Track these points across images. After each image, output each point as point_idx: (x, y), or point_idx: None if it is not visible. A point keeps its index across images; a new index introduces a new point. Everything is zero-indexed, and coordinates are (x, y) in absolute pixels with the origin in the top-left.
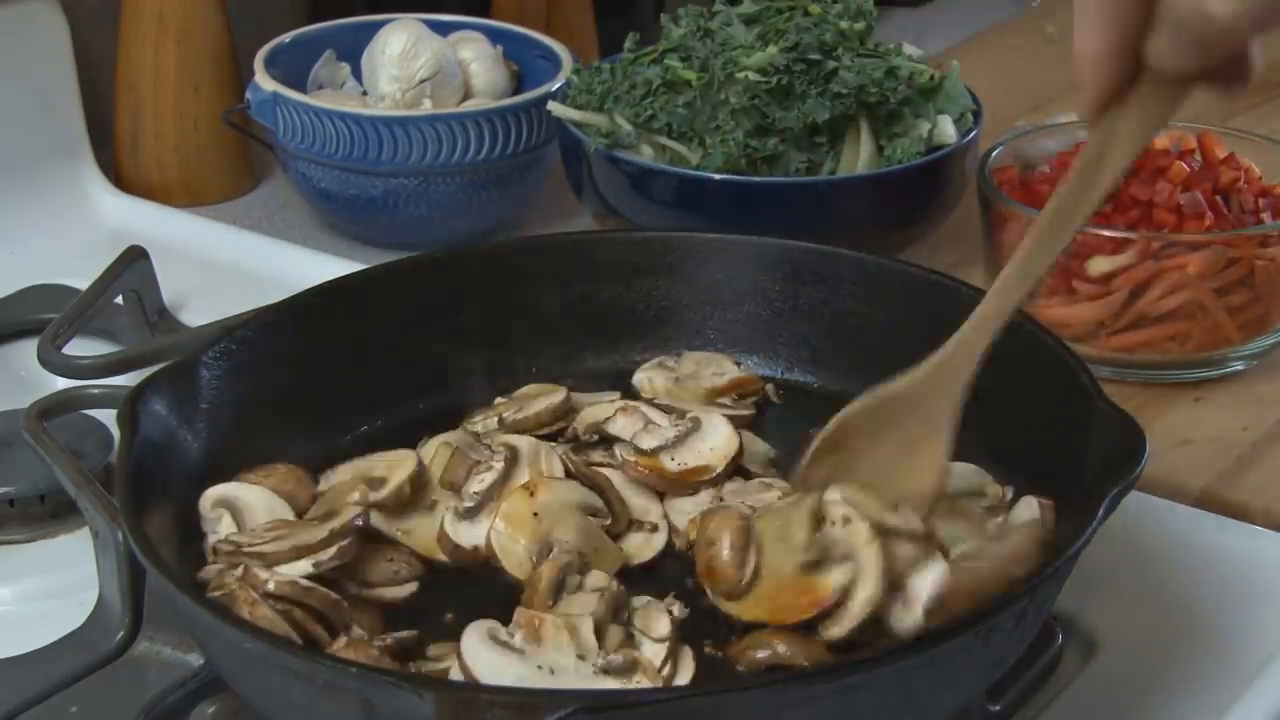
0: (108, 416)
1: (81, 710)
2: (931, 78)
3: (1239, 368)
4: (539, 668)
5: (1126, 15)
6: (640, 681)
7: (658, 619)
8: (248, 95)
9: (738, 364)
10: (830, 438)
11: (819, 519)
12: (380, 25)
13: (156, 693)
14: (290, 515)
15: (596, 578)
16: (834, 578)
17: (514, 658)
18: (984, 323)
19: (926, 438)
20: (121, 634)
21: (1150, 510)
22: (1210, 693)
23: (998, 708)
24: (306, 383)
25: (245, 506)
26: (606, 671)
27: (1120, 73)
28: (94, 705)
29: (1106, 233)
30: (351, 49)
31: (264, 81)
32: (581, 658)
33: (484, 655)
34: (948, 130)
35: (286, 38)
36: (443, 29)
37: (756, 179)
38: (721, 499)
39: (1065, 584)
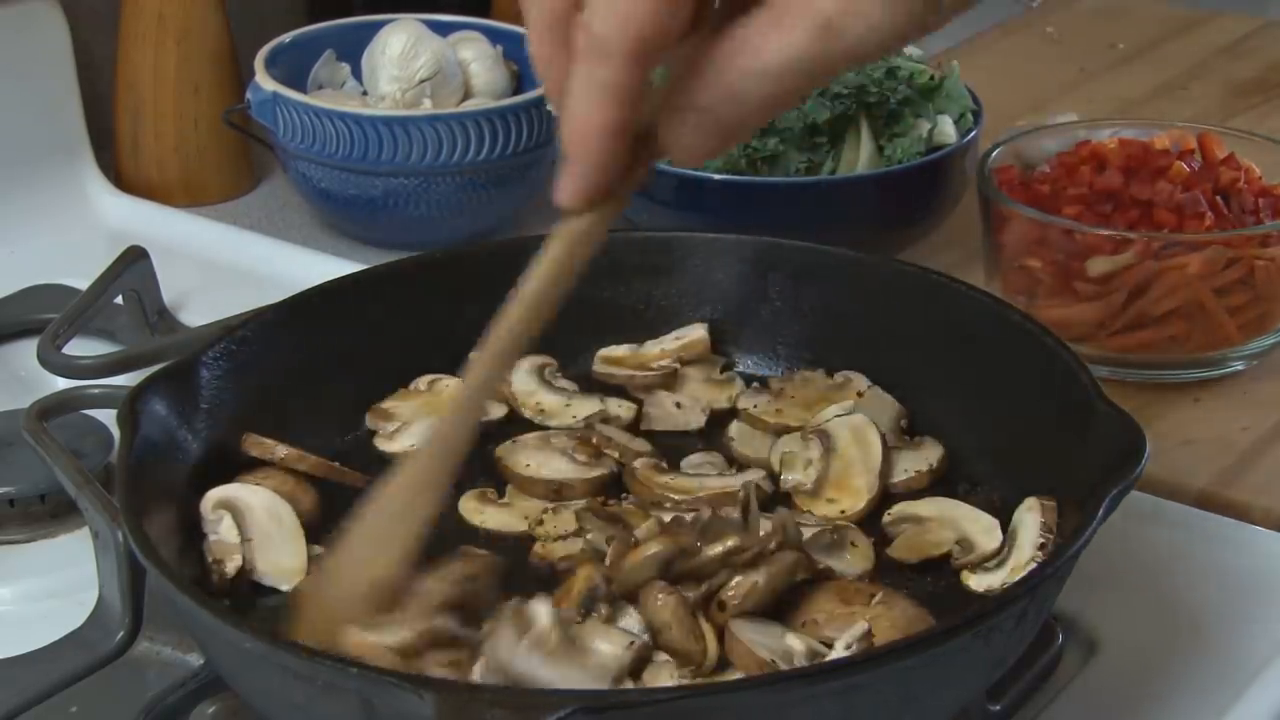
0: (108, 416)
1: (81, 710)
2: (931, 78)
3: (1239, 368)
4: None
5: (638, 96)
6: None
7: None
8: (248, 95)
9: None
10: None
11: None
12: (380, 25)
13: (156, 693)
14: (291, 516)
15: (630, 620)
16: None
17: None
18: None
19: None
20: (121, 634)
21: (1150, 510)
22: (1210, 693)
23: (998, 708)
24: (306, 383)
25: (246, 508)
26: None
27: (624, 157)
28: (94, 705)
29: (1106, 233)
30: (351, 49)
31: (264, 81)
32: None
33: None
34: (948, 130)
35: (286, 38)
36: (443, 29)
37: (756, 179)
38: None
39: (1065, 584)
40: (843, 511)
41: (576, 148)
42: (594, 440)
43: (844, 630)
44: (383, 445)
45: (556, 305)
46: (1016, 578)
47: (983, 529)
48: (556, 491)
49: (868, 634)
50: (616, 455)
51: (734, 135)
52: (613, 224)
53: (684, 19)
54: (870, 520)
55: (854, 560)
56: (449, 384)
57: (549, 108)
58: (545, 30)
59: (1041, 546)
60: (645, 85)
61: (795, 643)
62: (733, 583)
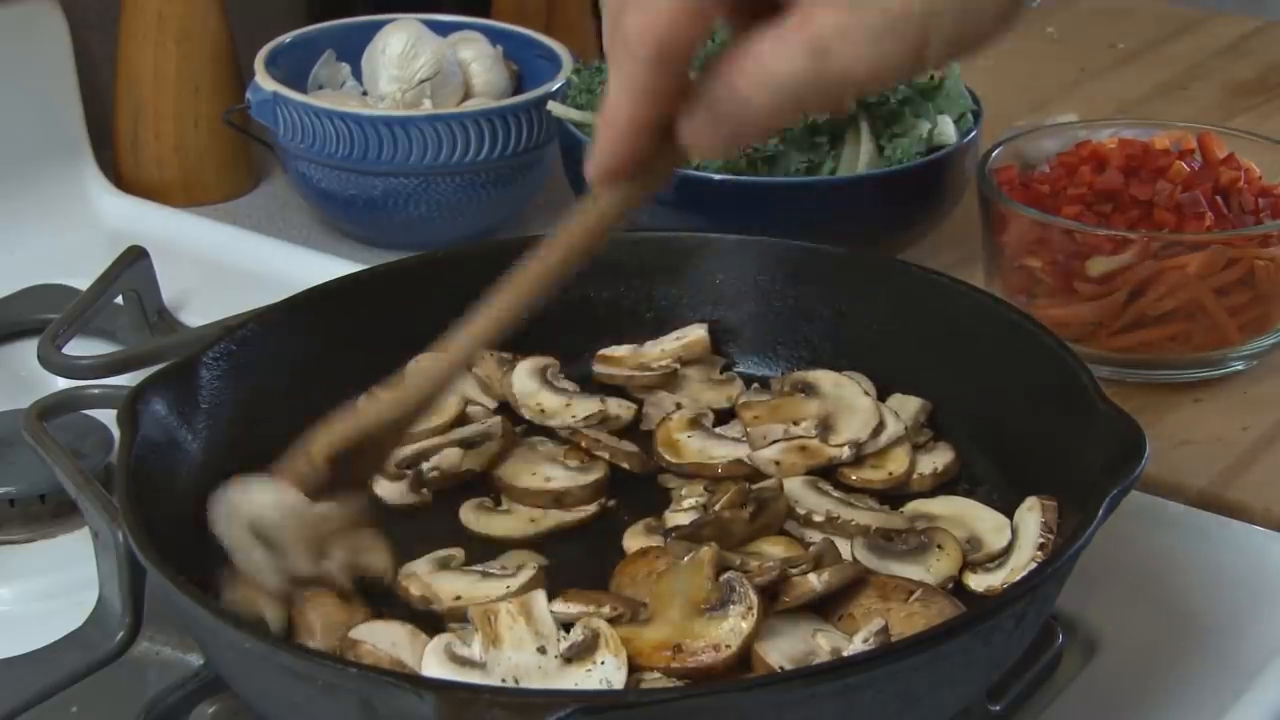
0: (108, 416)
1: (81, 710)
2: (931, 78)
3: (1239, 368)
4: (502, 680)
5: (663, 94)
6: (604, 657)
7: None
8: (248, 95)
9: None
10: None
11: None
12: (380, 25)
13: (156, 693)
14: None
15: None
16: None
17: (476, 674)
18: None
19: None
20: (121, 634)
21: (1150, 510)
22: (1210, 693)
23: (998, 708)
24: (306, 383)
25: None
26: (570, 660)
27: (645, 146)
28: (94, 705)
29: (1106, 233)
30: (351, 49)
31: (264, 81)
32: (542, 650)
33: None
34: (948, 130)
35: (286, 38)
36: (443, 29)
37: (756, 179)
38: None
39: (1065, 584)
40: (891, 474)
41: (601, 132)
42: (582, 444)
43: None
44: None
45: (562, 279)
46: (1016, 578)
47: (992, 528)
48: (558, 500)
49: (884, 629)
50: (607, 457)
51: (741, 137)
52: (632, 209)
53: (705, 29)
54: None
55: (940, 565)
56: (449, 398)
57: (547, 108)
58: (607, 32)
59: (1041, 546)
60: (670, 86)
61: (822, 641)
62: (792, 583)
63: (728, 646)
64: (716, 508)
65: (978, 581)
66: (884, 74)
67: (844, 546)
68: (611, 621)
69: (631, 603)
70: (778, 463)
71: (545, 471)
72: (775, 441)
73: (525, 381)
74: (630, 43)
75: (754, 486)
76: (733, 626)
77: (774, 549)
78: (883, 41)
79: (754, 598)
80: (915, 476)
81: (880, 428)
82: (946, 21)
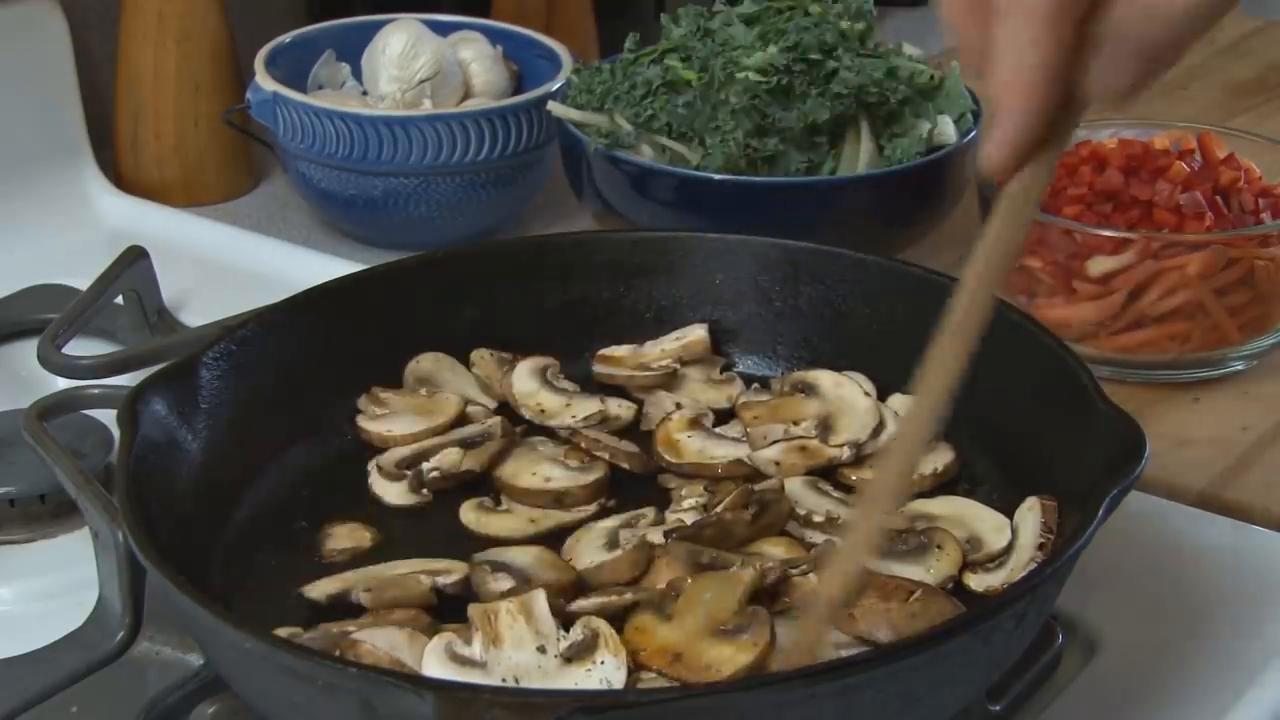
0: (108, 416)
1: (81, 710)
2: (931, 78)
3: (1239, 368)
4: (502, 680)
5: (1068, 47)
6: (604, 656)
7: None
8: (248, 95)
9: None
10: None
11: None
12: (380, 25)
13: (156, 693)
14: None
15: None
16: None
17: (476, 674)
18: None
19: None
20: (121, 634)
21: (1150, 510)
22: (1210, 693)
23: (998, 708)
24: (306, 383)
25: None
26: (569, 660)
27: (1056, 99)
28: (94, 705)
29: (1106, 233)
30: (351, 49)
31: (264, 81)
32: (542, 649)
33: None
34: (948, 130)
35: (286, 38)
36: (443, 29)
37: (756, 179)
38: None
39: (1065, 584)
40: None
41: (1007, 94)
42: (582, 445)
43: (876, 626)
44: (364, 424)
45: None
46: (1016, 578)
47: (992, 528)
48: (558, 500)
49: (884, 629)
50: (607, 457)
51: (1154, 62)
52: (1049, 180)
53: None
54: None
55: (940, 565)
56: (449, 398)
57: (547, 108)
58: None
59: (1041, 546)
60: (1071, 37)
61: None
62: (792, 583)
63: (719, 672)
64: (719, 509)
65: (978, 581)
66: None
67: None
68: (635, 607)
69: (650, 593)
70: (778, 463)
71: (545, 471)
72: (775, 441)
73: (525, 381)
74: (1029, 4)
75: (756, 488)
76: (732, 657)
77: (774, 549)
78: None
79: (767, 637)
80: (915, 476)
81: (880, 428)
82: None
